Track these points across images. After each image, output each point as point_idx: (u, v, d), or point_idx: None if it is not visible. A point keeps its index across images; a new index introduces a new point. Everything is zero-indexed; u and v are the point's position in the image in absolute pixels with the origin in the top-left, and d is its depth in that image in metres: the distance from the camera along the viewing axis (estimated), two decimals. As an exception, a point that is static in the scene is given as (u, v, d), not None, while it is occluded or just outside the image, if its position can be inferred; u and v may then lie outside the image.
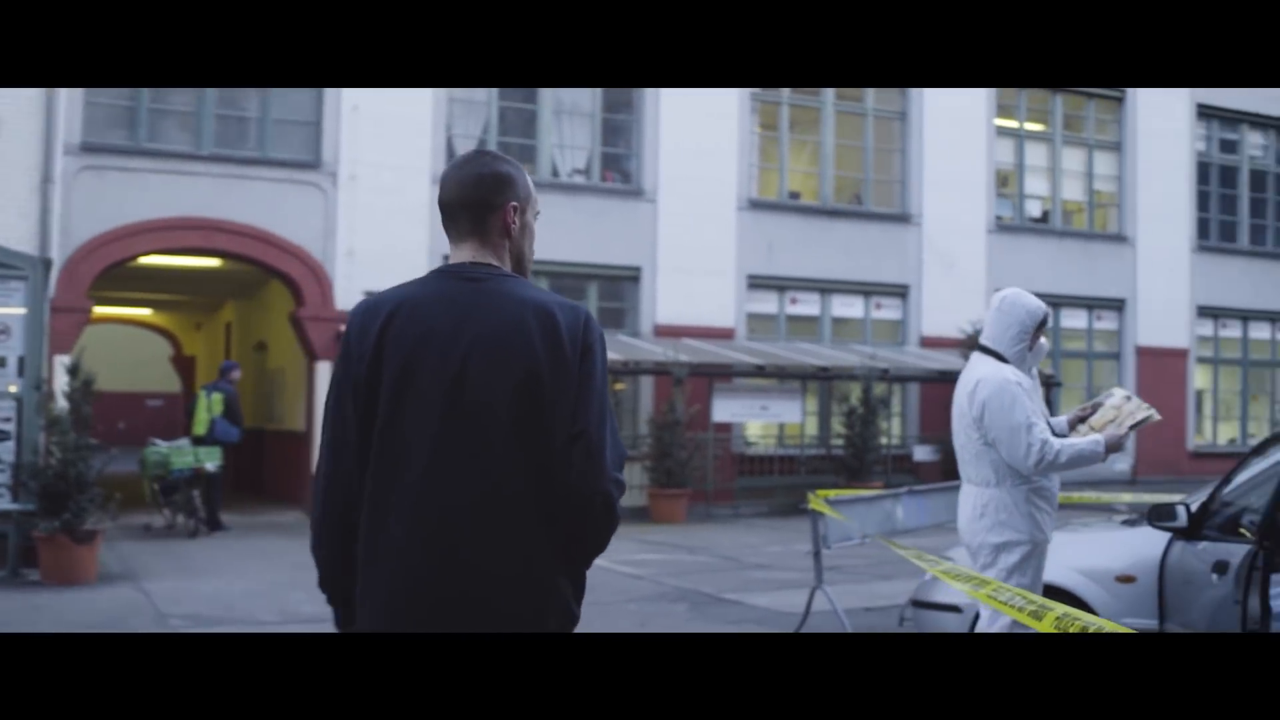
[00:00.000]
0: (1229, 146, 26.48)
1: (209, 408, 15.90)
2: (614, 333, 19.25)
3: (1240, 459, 6.16)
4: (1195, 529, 5.85)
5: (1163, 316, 24.87)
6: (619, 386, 19.40)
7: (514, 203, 2.73)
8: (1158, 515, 5.89)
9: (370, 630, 2.61)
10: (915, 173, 22.43)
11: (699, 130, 20.22)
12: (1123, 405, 5.52)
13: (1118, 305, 24.60)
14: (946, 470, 20.35)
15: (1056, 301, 23.61)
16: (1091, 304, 24.37)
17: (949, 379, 20.84)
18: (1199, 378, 25.62)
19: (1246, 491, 6.09)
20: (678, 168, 20.01)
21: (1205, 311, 25.61)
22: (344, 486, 2.64)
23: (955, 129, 22.61)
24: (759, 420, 20.19)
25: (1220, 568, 5.53)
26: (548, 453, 2.56)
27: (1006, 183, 23.94)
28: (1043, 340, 5.50)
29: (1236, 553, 5.41)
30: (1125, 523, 6.70)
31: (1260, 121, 26.63)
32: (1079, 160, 24.71)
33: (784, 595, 10.68)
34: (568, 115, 19.89)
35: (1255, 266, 26.29)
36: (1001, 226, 23.46)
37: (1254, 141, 26.87)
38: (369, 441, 2.60)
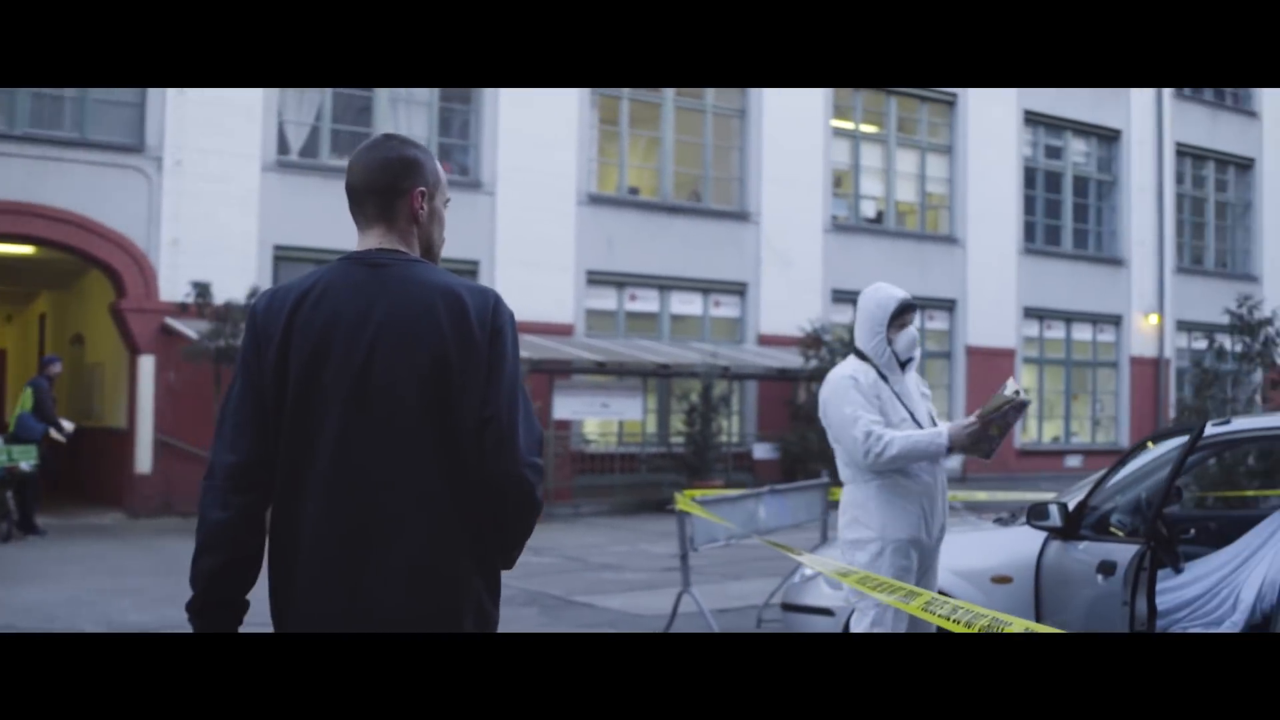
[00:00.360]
0: (1054, 152, 27.50)
1: (22, 403, 15.15)
2: (451, 328, 18.97)
3: (1118, 458, 6.20)
4: (1073, 529, 5.88)
5: (991, 317, 25.66)
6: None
7: (421, 188, 2.70)
8: (1036, 515, 5.91)
9: (284, 630, 2.56)
10: (754, 171, 22.70)
11: (538, 123, 20.11)
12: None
13: (949, 305, 25.30)
14: (786, 468, 20.63)
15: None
16: (924, 304, 24.97)
17: (788, 377, 21.17)
18: (1025, 377, 26.49)
19: (1125, 491, 6.19)
20: (516, 160, 19.87)
21: (1031, 313, 26.54)
22: (254, 477, 2.57)
23: (793, 128, 22.96)
24: (599, 418, 20.17)
25: (1106, 568, 5.54)
26: (458, 439, 2.52)
27: (841, 183, 24.40)
28: (910, 330, 5.37)
29: (1123, 553, 5.44)
30: (998, 521, 6.71)
31: (1083, 129, 27.72)
32: (912, 162, 25.35)
33: (637, 597, 10.62)
34: (404, 104, 19.57)
35: (1078, 269, 27.34)
36: (837, 226, 23.91)
37: (1077, 148, 27.95)
38: (277, 435, 2.56)
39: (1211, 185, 30.31)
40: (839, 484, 5.62)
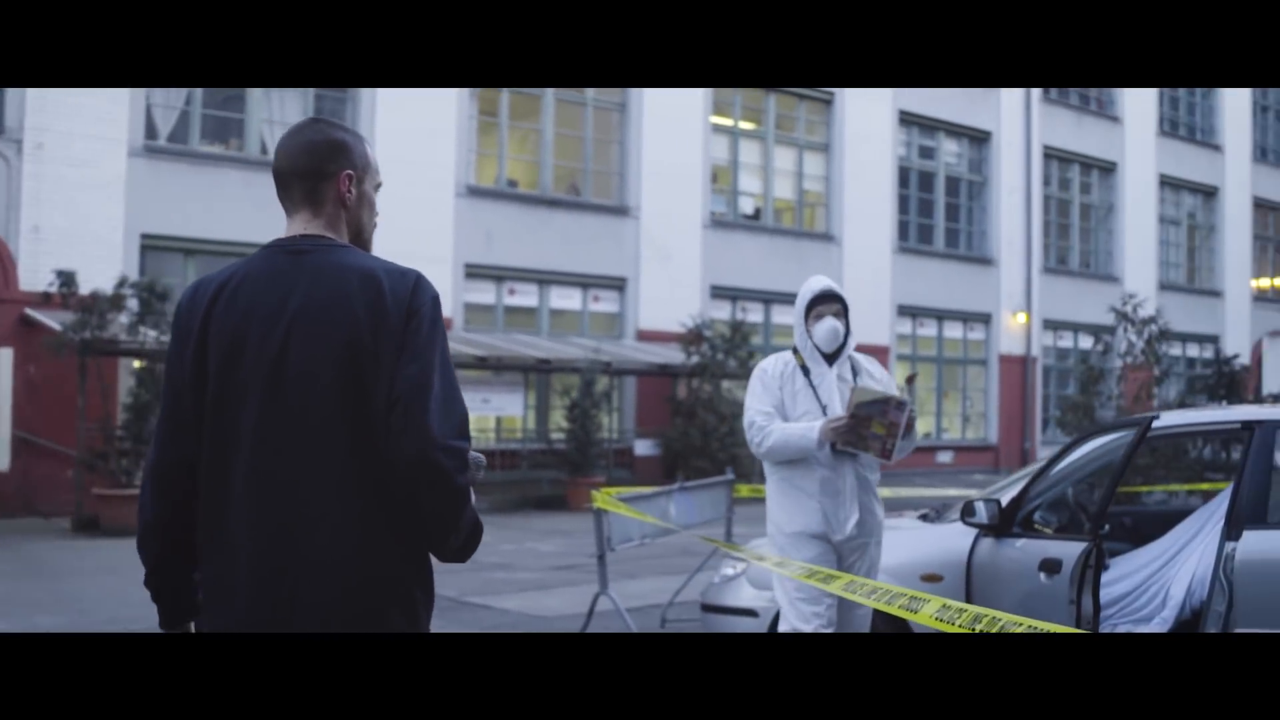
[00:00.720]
0: (927, 153, 28.04)
1: None
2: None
3: (1053, 455, 6.20)
4: (1006, 526, 5.86)
5: (866, 315, 26.01)
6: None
7: (349, 171, 2.66)
8: (969, 512, 5.89)
9: (216, 630, 2.55)
10: (634, 165, 22.70)
11: (416, 113, 19.84)
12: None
13: (825, 303, 25.56)
14: (666, 465, 20.67)
15: (768, 298, 24.40)
16: (801, 301, 25.24)
17: (668, 373, 21.19)
18: (898, 374, 26.94)
19: (1058, 488, 6.23)
20: (393, 150, 19.48)
21: (905, 310, 27.02)
22: (182, 475, 2.57)
23: (672, 123, 23.02)
24: (479, 413, 19.94)
25: (1050, 566, 5.53)
26: (370, 420, 2.46)
27: (720, 179, 24.53)
28: (827, 321, 5.32)
29: (1068, 550, 5.44)
30: (923, 518, 6.70)
31: (955, 130, 28.32)
32: (790, 160, 25.61)
33: (533, 598, 10.49)
34: (278, 90, 19.10)
35: (949, 268, 27.93)
36: (716, 222, 24.04)
37: (949, 149, 28.55)
38: (199, 432, 2.54)
39: (1077, 187, 31.22)
40: (746, 481, 5.60)
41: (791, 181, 25.71)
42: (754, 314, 24.21)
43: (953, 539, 6.03)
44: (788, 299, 24.90)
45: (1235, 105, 34.97)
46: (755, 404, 5.31)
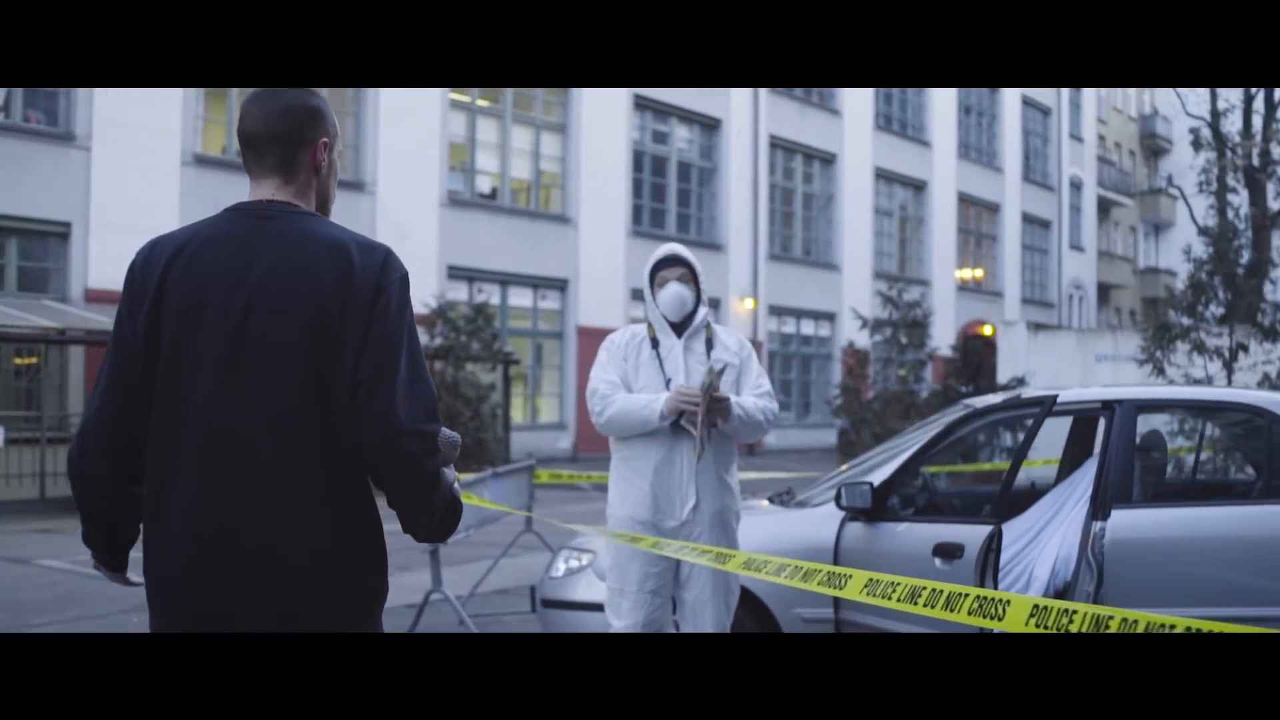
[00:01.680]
0: (660, 138, 28.40)
1: None
2: (37, 297, 17.32)
3: (933, 436, 5.97)
4: (879, 509, 5.70)
5: (602, 297, 26.18)
6: (32, 360, 17.46)
7: (325, 138, 2.61)
8: (848, 496, 5.68)
9: (161, 608, 2.47)
10: (370, 140, 22.07)
11: (139, 74, 18.60)
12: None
13: (561, 285, 25.60)
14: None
15: (505, 280, 24.20)
16: (537, 283, 25.18)
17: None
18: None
19: (928, 469, 6.17)
20: (115, 113, 18.30)
21: (638, 294, 27.20)
22: (120, 433, 2.49)
23: (410, 98, 22.51)
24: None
25: (948, 551, 5.40)
26: (335, 403, 2.40)
27: (456, 157, 24.12)
28: (671, 288, 4.97)
29: (970, 534, 5.38)
30: (774, 501, 6.51)
31: (688, 117, 28.80)
32: (527, 139, 25.45)
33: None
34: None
35: (681, 253, 28.30)
36: (454, 200, 23.65)
37: (682, 135, 29.01)
38: (147, 400, 2.46)
39: (799, 177, 32.30)
40: (561, 468, 5.40)
41: (529, 162, 25.56)
42: (491, 295, 23.93)
43: (815, 524, 5.83)
44: (525, 281, 24.78)
45: (943, 104, 36.95)
46: (599, 373, 4.98)
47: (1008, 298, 40.39)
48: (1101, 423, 5.98)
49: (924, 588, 3.50)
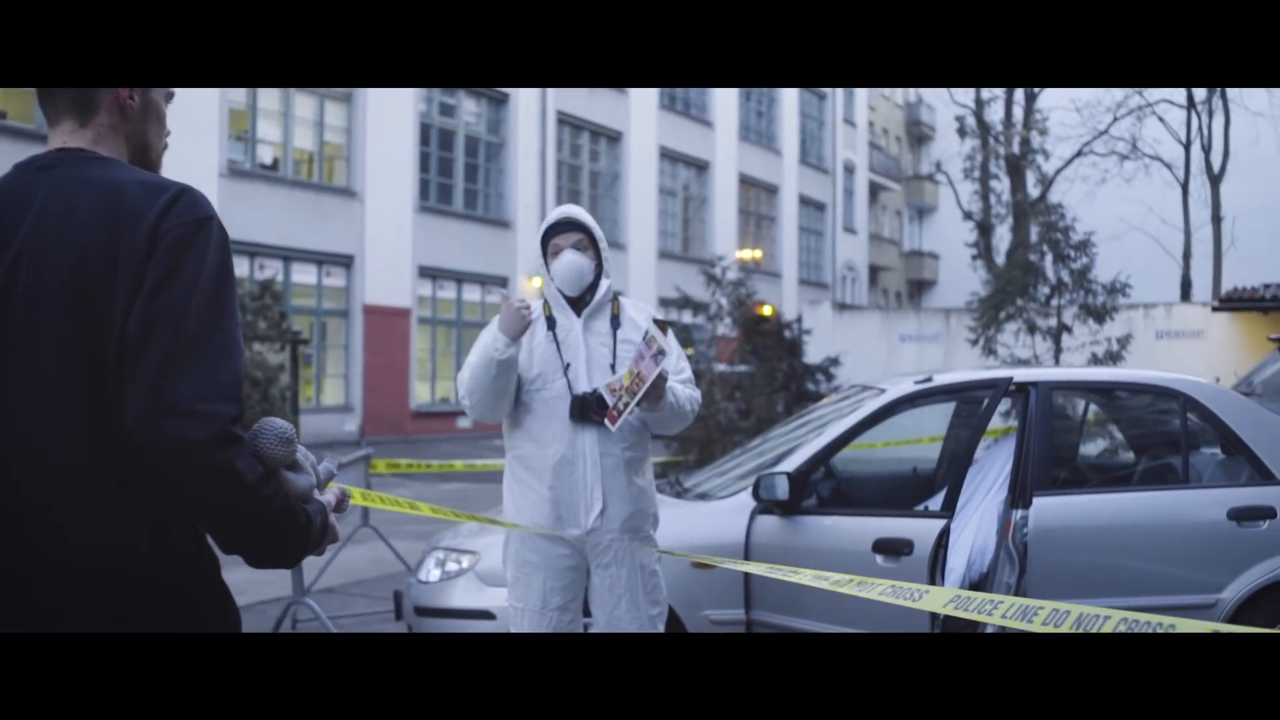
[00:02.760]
0: (448, 111, 27.71)
1: None
2: None
3: (856, 423, 5.65)
4: (798, 502, 5.40)
5: (388, 275, 25.40)
6: None
7: None
8: (766, 489, 5.31)
9: None
10: (144, 104, 20.71)
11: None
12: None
13: (346, 262, 24.70)
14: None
15: (288, 255, 23.19)
16: (322, 259, 24.22)
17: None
18: (419, 339, 26.50)
19: (846, 459, 5.88)
20: None
21: (425, 272, 26.57)
22: None
23: (188, 60, 21.20)
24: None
25: (893, 547, 5.12)
26: (109, 382, 1.97)
27: (236, 125, 22.96)
28: (566, 256, 4.31)
29: (919, 529, 5.13)
30: (662, 492, 6.10)
31: (475, 90, 28.13)
32: (310, 108, 24.43)
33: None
34: None
35: (469, 229, 27.79)
36: (234, 171, 22.50)
37: (469, 108, 28.38)
38: None
39: (586, 154, 32.06)
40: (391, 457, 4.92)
41: (312, 132, 24.53)
42: (275, 272, 22.90)
43: (723, 519, 5.47)
44: (309, 257, 23.81)
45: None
46: (471, 356, 4.26)
47: (785, 278, 41.13)
48: (1016, 404, 5.92)
49: (1039, 608, 3.21)
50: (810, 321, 19.18)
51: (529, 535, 4.34)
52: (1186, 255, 34.67)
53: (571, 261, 4.30)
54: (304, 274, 24.11)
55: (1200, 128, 37.46)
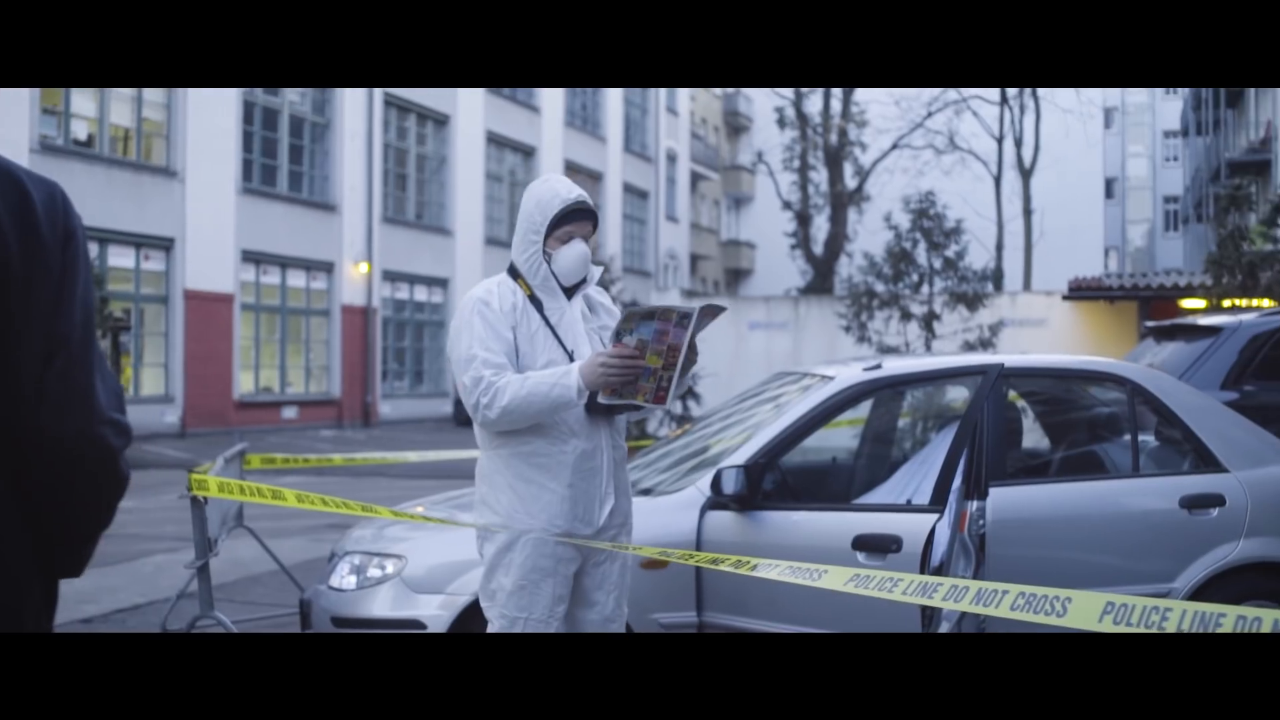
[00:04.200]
0: (272, 89, 26.74)
1: None
2: None
3: (809, 412, 5.42)
4: (753, 497, 5.11)
5: (210, 259, 24.42)
6: None
7: None
8: (728, 483, 5.02)
9: None
10: (-52, 73, 19.41)
11: None
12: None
13: (166, 245, 23.64)
14: None
15: (105, 238, 22.08)
16: (140, 242, 23.12)
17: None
18: (242, 326, 25.55)
19: (799, 448, 5.63)
20: None
21: (249, 256, 25.64)
22: None
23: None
24: None
25: (878, 544, 4.94)
26: (14, 380, 1.88)
27: (48, 98, 21.71)
28: (578, 246, 4.07)
29: (907, 525, 4.93)
30: None
31: (300, 67, 27.24)
32: (128, 83, 23.24)
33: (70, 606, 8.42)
34: None
35: (294, 213, 26.95)
36: (46, 147, 21.28)
37: (294, 88, 27.42)
38: None
39: (413, 137, 31.43)
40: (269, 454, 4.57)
41: (130, 107, 23.36)
42: (90, 255, 21.70)
43: (667, 515, 5.14)
44: (126, 239, 22.73)
45: (551, 69, 36.96)
46: (480, 351, 3.92)
47: (611, 267, 41.05)
48: (965, 391, 5.82)
49: (938, 584, 3.12)
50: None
51: (543, 540, 4.01)
52: (999, 247, 35.84)
53: (584, 254, 4.09)
54: (121, 257, 22.97)
55: (1013, 123, 38.80)
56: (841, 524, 5.15)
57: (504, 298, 4.05)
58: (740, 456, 5.30)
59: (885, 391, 6.10)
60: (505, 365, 3.95)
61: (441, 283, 32.14)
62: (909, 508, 5.34)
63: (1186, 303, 15.87)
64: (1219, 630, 2.21)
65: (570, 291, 4.17)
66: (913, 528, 4.98)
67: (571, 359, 4.04)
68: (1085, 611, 2.45)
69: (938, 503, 5.04)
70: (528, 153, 36.35)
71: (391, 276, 30.14)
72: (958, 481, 5.40)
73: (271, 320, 26.70)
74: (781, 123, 41.81)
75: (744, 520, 5.15)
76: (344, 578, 5.42)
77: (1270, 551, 5.35)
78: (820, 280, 40.39)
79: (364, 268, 28.72)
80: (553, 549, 4.03)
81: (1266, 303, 11.17)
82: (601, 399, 3.96)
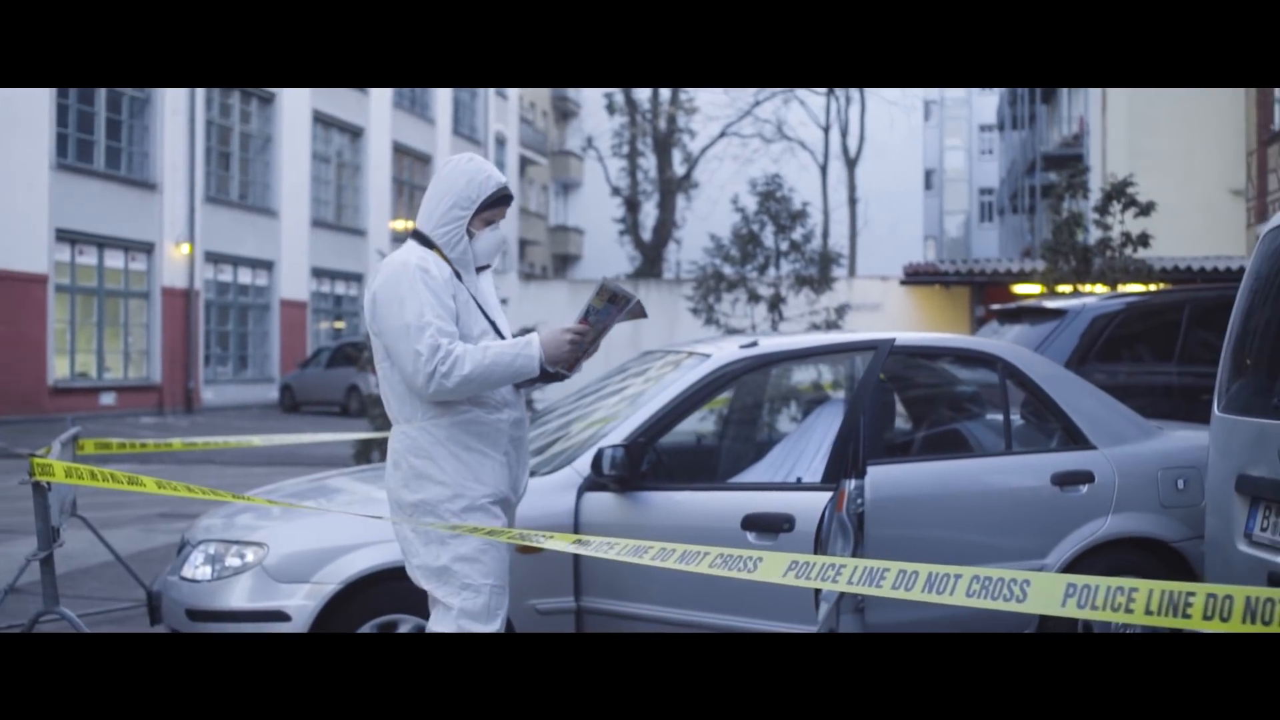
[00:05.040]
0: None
1: None
2: None
3: (669, 391, 5.36)
4: (634, 478, 4.99)
5: (21, 238, 23.29)
6: None
7: None
8: (611, 463, 4.92)
9: None
10: None
11: None
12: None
13: (-26, 223, 22.47)
14: None
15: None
16: (-54, 219, 21.93)
17: None
18: (57, 308, 24.45)
19: (676, 427, 5.53)
20: None
21: (64, 235, 24.53)
22: None
23: None
24: None
25: (769, 524, 4.90)
26: None
27: None
28: (500, 230, 4.20)
29: (800, 504, 4.89)
30: None
31: (117, 39, 26.20)
32: (-69, 51, 22.00)
33: None
34: None
35: (111, 191, 25.89)
36: None
37: (112, 59, 26.34)
38: None
39: (237, 115, 30.50)
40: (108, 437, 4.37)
41: (-67, 77, 22.10)
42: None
43: (543, 497, 4.94)
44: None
45: (379, 49, 36.28)
46: (433, 318, 3.91)
47: (439, 251, 40.54)
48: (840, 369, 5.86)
49: (885, 569, 3.00)
50: (500, 291, 18.92)
51: (489, 506, 4.04)
52: (825, 234, 36.52)
53: (504, 240, 4.28)
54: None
55: (839, 113, 39.59)
56: (729, 504, 5.09)
57: (440, 267, 4.03)
58: (618, 436, 5.19)
59: (761, 370, 6.09)
60: (456, 334, 3.97)
61: (266, 265, 31.30)
62: (800, 486, 5.31)
63: (1019, 288, 16.42)
64: (1190, 607, 2.17)
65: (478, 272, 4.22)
66: (805, 506, 4.95)
67: (497, 331, 4.12)
68: (1046, 595, 2.38)
69: (831, 480, 5.05)
70: (356, 133, 35.63)
71: (214, 258, 29.21)
72: (823, 460, 5.44)
73: (88, 302, 25.62)
74: (610, 109, 41.91)
75: (625, 501, 5.04)
76: (198, 568, 5.09)
77: (1136, 526, 5.51)
78: (649, 266, 40.63)
79: (185, 249, 27.75)
80: (496, 513, 4.07)
81: (1100, 288, 11.58)
82: (567, 369, 4.07)
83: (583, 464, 5.11)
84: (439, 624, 3.99)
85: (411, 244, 4.14)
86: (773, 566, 2.82)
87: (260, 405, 29.86)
